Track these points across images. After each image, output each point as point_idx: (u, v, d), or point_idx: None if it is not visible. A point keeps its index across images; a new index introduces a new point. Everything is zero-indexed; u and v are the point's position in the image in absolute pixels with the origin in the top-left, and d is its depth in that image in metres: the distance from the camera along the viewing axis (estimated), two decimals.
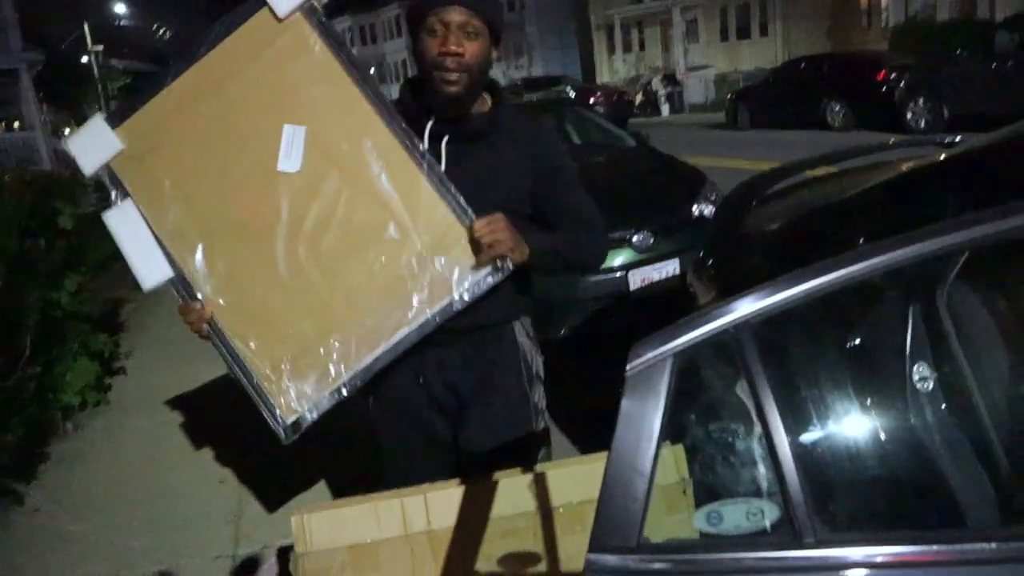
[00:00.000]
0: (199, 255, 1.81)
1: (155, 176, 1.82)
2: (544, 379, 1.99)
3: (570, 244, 1.83)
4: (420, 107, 1.78)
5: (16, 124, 20.55)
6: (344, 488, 3.30)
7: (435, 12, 1.65)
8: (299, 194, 1.76)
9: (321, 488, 3.41)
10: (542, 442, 1.98)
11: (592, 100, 21.55)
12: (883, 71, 14.53)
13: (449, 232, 1.71)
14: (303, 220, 1.75)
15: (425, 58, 1.69)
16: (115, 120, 1.82)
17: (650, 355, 1.00)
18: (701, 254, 2.89)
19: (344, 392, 1.76)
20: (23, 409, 3.82)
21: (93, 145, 1.82)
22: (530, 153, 1.79)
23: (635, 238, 4.22)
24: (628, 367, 0.99)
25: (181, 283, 1.81)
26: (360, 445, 3.85)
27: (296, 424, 1.78)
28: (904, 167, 2.50)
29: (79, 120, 38.86)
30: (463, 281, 1.71)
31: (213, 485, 3.61)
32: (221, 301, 1.81)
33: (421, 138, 1.74)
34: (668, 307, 4.18)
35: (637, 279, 4.15)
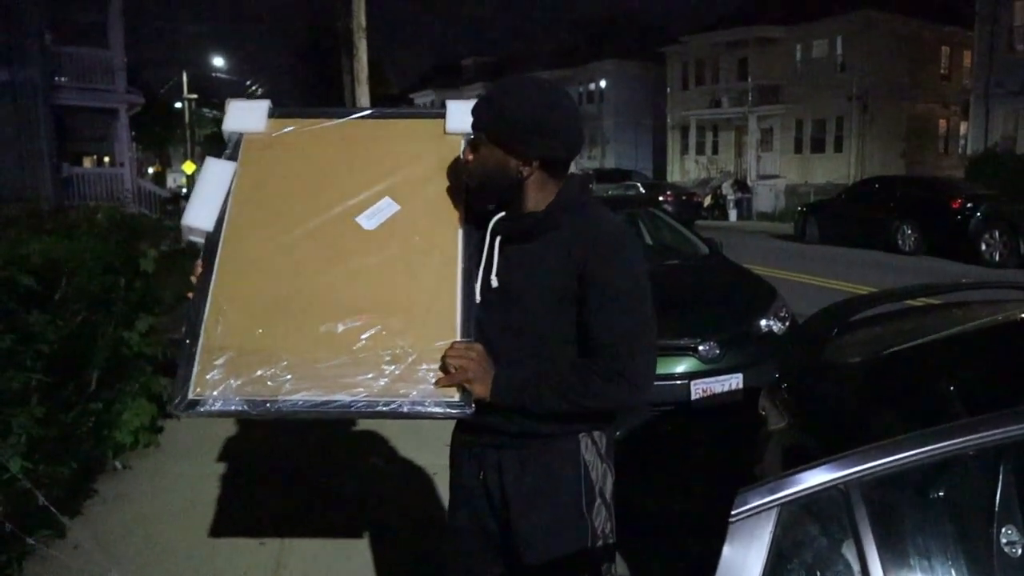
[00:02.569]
0: (242, 230, 1.97)
1: (265, 165, 2.06)
2: (611, 501, 1.92)
3: (565, 386, 1.74)
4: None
5: (107, 159, 21.49)
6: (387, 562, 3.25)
7: None
8: (355, 242, 1.92)
9: (365, 559, 3.36)
10: (599, 562, 1.92)
11: (661, 198, 21.71)
12: (959, 199, 14.40)
13: (445, 345, 1.78)
14: (343, 261, 1.90)
15: None
16: (276, 111, 2.12)
17: (756, 503, 0.97)
18: (776, 376, 2.83)
19: (252, 411, 1.75)
20: (79, 444, 3.88)
21: (247, 114, 2.11)
22: (580, 256, 1.75)
23: (701, 348, 4.17)
24: (732, 513, 0.96)
25: (211, 241, 1.96)
26: (402, 518, 3.86)
27: (193, 403, 1.77)
28: (1000, 315, 2.43)
29: (163, 160, 40.39)
30: (423, 394, 1.75)
31: (252, 545, 3.58)
32: (228, 269, 1.92)
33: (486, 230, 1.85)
34: (729, 423, 4.10)
35: (699, 389, 4.09)
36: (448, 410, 1.73)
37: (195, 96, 38.62)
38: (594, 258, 1.74)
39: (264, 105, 2.13)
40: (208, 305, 1.86)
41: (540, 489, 1.83)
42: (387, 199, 1.96)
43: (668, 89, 37.56)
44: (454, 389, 1.73)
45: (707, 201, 27.73)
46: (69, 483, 3.75)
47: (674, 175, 36.19)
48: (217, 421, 5.18)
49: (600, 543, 1.90)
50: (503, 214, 1.83)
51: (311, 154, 2.07)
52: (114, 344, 4.28)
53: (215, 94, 46.24)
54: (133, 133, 22.96)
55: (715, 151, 35.34)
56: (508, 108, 1.75)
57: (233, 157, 2.07)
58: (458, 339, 1.78)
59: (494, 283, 1.81)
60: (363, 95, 11.03)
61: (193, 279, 1.93)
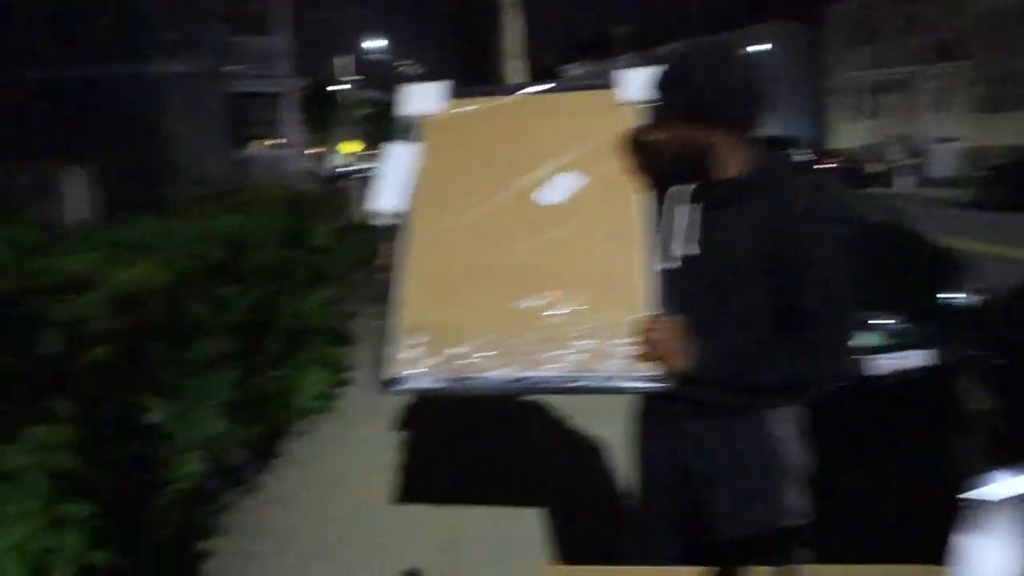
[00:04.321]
0: (430, 209, 2.00)
1: (445, 146, 2.09)
2: (806, 478, 1.84)
3: (767, 357, 1.68)
4: None
5: (276, 141, 22.79)
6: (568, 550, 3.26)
7: None
8: (540, 217, 1.93)
9: (540, 529, 3.39)
10: (791, 539, 1.84)
11: (829, 165, 20.65)
12: None
13: (637, 318, 1.74)
14: (529, 237, 1.91)
15: None
16: (455, 92, 2.14)
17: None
18: (980, 354, 2.60)
19: (450, 389, 1.80)
20: (268, 406, 4.13)
21: (423, 97, 2.15)
22: (782, 222, 1.66)
23: (885, 322, 3.91)
24: (991, 494, 0.87)
25: (399, 226, 2.00)
26: (579, 489, 3.87)
27: (393, 381, 1.83)
28: None
29: (327, 142, 42.43)
30: (617, 368, 1.73)
31: (428, 510, 3.69)
32: (421, 249, 1.96)
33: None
34: (916, 400, 3.84)
35: (884, 365, 3.83)
36: (643, 384, 1.71)
37: (355, 78, 40.20)
38: (796, 224, 1.66)
39: (439, 87, 2.17)
40: (403, 284, 1.92)
41: (734, 463, 1.78)
42: (567, 172, 1.96)
43: (832, 51, 35.53)
44: (649, 362, 1.70)
45: (876, 168, 26.09)
46: (259, 444, 4.01)
47: (840, 141, 34.26)
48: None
49: (793, 521, 1.83)
50: (699, 181, 1.76)
51: (488, 132, 2.10)
52: (293, 315, 4.51)
53: (372, 74, 47.99)
54: (299, 116, 24.15)
55: (882, 115, 33.16)
56: (698, 79, 1.68)
57: (413, 140, 2.12)
58: (649, 312, 1.74)
59: (694, 251, 1.74)
60: (515, 70, 11.08)
61: (385, 261, 1.98)
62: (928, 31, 30.05)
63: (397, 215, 2.03)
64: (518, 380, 1.76)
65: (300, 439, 4.68)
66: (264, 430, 4.03)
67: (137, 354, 2.44)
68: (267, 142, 22.61)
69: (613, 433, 3.77)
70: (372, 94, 47.41)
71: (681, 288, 1.76)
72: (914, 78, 30.56)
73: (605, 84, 2.06)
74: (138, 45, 17.25)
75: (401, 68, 48.49)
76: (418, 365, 1.82)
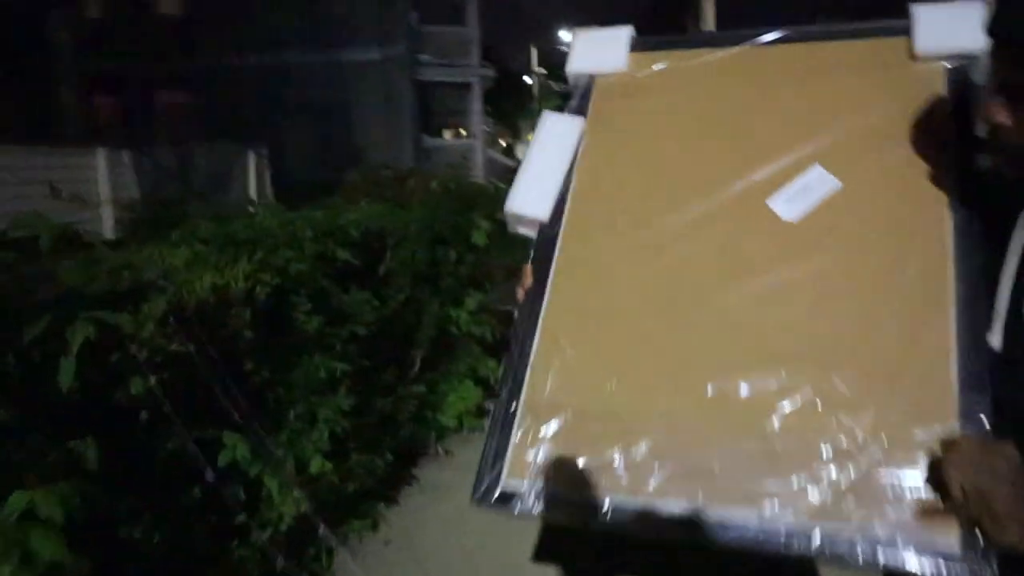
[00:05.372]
0: (591, 223, 1.32)
1: (626, 122, 1.42)
2: None
3: None
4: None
5: (462, 131, 22.92)
6: None
7: None
8: (767, 242, 1.18)
9: None
10: None
11: None
12: None
13: (937, 433, 0.97)
14: (746, 274, 1.16)
15: None
16: (637, 45, 1.50)
17: None
18: None
19: (587, 521, 1.08)
20: (399, 429, 3.62)
21: (600, 48, 1.50)
22: None
23: None
24: None
25: (546, 239, 1.33)
26: None
27: (505, 497, 1.13)
28: None
29: (514, 134, 42.81)
30: (893, 525, 0.94)
31: (579, 551, 3.04)
32: (570, 285, 1.27)
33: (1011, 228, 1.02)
34: None
35: None
36: (940, 565, 0.92)
37: (543, 71, 40.02)
38: None
39: (623, 34, 1.47)
40: (538, 338, 1.24)
41: None
42: (818, 169, 1.21)
43: None
44: (953, 523, 0.92)
45: None
46: (386, 470, 3.51)
47: None
48: None
49: None
50: None
51: (694, 102, 1.38)
52: (441, 322, 3.98)
53: (561, 67, 47.71)
54: (488, 108, 24.13)
55: None
56: None
57: (580, 111, 1.46)
58: (966, 424, 0.97)
59: None
60: None
61: (520, 294, 1.33)
62: None
63: (545, 224, 1.36)
64: (701, 521, 1.03)
65: (439, 461, 4.16)
66: (393, 455, 3.52)
67: (210, 379, 1.94)
68: (454, 131, 22.78)
69: None
70: (563, 87, 47.08)
71: None
72: None
73: (889, 29, 1.28)
74: (330, 33, 17.67)
75: None
76: (543, 475, 1.14)
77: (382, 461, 3.25)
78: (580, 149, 1.41)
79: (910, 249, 1.09)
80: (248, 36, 17.18)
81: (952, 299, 1.04)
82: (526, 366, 1.21)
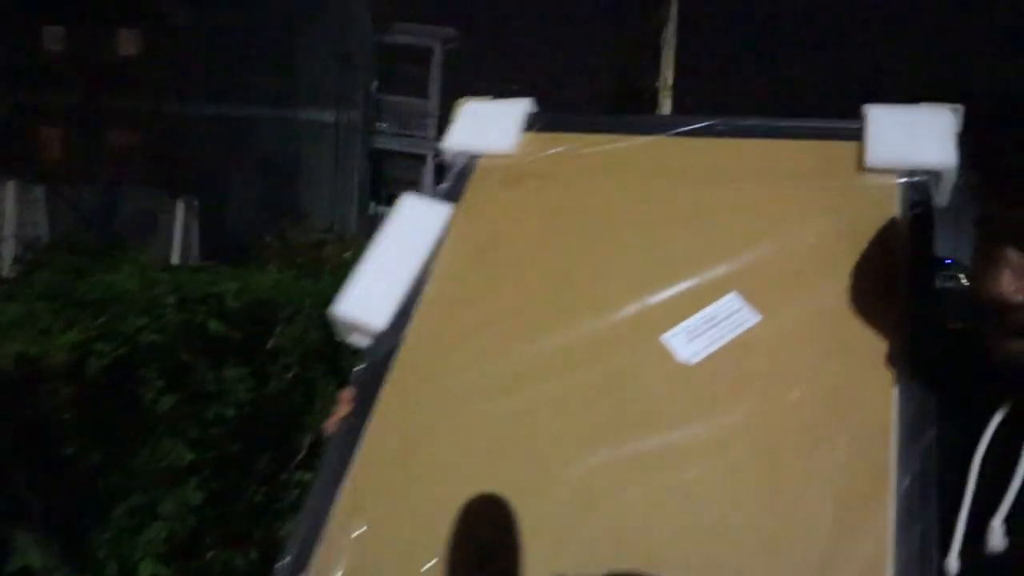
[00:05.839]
0: (439, 343, 1.05)
1: (505, 217, 1.15)
2: None
3: None
4: (979, 369, 0.79)
5: None
6: None
7: None
8: (657, 391, 0.91)
9: None
10: None
11: None
12: None
13: None
14: (629, 433, 0.88)
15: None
16: (536, 122, 1.22)
17: None
18: None
19: None
20: (279, 518, 3.27)
21: (486, 122, 1.23)
22: None
23: None
24: None
25: (376, 359, 1.04)
26: None
27: None
28: None
29: None
30: None
31: None
32: (397, 425, 0.98)
33: (981, 427, 0.78)
34: None
35: None
36: None
37: None
38: None
39: (517, 109, 1.21)
40: (340, 497, 0.93)
41: None
42: (733, 296, 0.95)
43: None
44: None
45: None
46: (250, 569, 3.13)
47: None
48: None
49: None
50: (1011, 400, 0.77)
51: (587, 199, 1.13)
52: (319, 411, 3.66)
53: None
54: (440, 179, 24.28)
55: None
56: None
57: (451, 197, 1.18)
58: None
59: (997, 540, 0.73)
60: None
61: (330, 425, 1.04)
62: None
63: (374, 335, 1.08)
64: None
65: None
66: (264, 551, 3.15)
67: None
68: None
69: None
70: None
71: None
72: None
73: (837, 131, 1.05)
74: (287, 90, 17.54)
75: None
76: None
77: (243, 561, 2.87)
78: (443, 244, 1.13)
79: (842, 420, 0.82)
80: (202, 84, 16.95)
81: (892, 497, 0.77)
82: (316, 539, 0.89)
